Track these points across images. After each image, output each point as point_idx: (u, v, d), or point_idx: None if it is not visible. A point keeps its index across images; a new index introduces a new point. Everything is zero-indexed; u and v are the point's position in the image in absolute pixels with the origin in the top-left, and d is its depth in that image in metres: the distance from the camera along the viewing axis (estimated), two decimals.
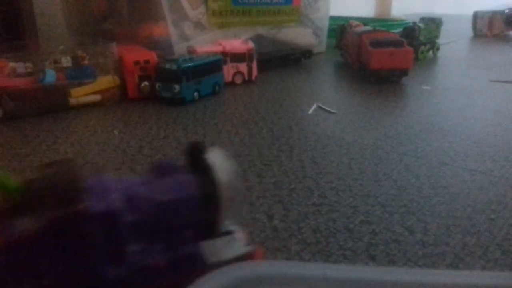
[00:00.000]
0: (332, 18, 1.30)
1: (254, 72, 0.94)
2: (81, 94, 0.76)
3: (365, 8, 2.16)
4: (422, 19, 1.21)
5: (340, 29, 1.18)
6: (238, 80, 0.93)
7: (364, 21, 1.21)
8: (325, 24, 1.27)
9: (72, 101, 0.75)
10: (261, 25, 1.08)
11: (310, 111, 0.74)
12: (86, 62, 0.75)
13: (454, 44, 1.46)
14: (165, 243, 0.25)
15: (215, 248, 0.26)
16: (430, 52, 1.23)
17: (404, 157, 0.54)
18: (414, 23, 1.17)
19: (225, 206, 0.26)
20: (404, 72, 0.91)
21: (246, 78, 0.94)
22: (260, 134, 0.63)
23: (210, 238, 0.26)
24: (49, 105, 0.73)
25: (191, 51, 0.89)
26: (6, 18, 0.95)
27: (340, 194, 0.45)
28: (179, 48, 0.93)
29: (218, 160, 0.26)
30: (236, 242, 0.27)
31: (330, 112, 0.73)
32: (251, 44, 0.93)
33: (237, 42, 0.94)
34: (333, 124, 0.67)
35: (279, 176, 0.49)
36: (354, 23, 1.13)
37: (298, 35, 1.18)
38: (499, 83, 0.91)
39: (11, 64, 0.72)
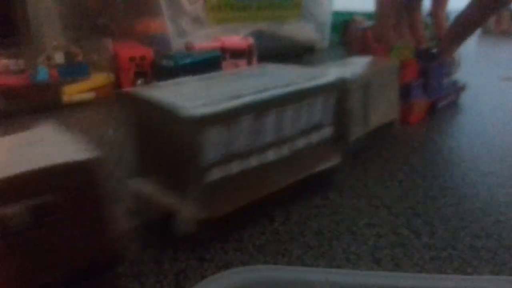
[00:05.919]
0: (335, 14, 1.29)
1: None
2: (74, 92, 0.75)
3: (369, 3, 2.15)
4: (429, 15, 1.19)
5: (344, 24, 1.17)
6: None
7: (369, 16, 1.19)
8: (328, 20, 1.25)
9: (65, 99, 0.74)
10: (261, 20, 1.07)
11: None
12: (79, 58, 0.74)
13: None
14: None
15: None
16: None
17: (410, 156, 0.52)
18: None
19: None
20: None
21: None
22: None
23: None
24: (42, 103, 0.72)
25: (189, 47, 0.87)
26: None
27: (344, 196, 0.43)
28: (177, 44, 0.92)
29: None
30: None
31: None
32: (251, 40, 0.91)
33: (237, 38, 0.93)
34: None
35: None
36: (358, 18, 1.11)
37: (300, 30, 1.16)
38: (508, 81, 0.89)
39: (3, 61, 0.71)
